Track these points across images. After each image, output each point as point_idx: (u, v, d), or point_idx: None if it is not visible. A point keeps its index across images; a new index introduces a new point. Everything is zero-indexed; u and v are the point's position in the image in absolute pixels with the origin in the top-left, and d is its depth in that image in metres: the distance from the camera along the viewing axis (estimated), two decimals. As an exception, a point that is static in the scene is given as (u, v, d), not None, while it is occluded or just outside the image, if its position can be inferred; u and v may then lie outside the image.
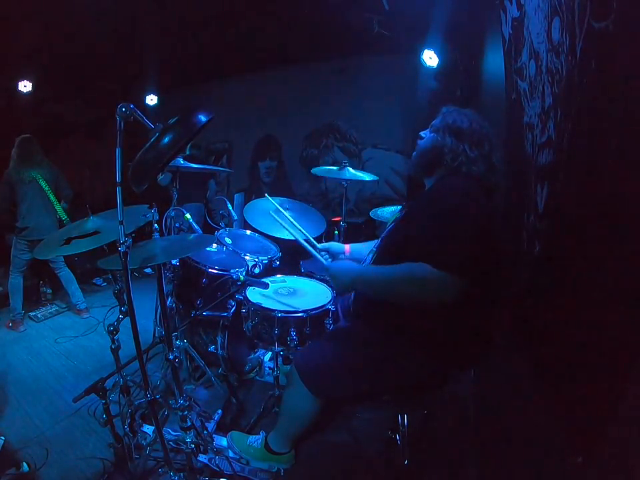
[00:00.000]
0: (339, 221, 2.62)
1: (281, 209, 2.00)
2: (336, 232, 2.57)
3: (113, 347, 1.59)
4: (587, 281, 1.07)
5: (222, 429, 1.83)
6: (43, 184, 3.02)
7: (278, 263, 2.33)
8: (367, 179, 2.46)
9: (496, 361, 1.55)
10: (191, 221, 2.00)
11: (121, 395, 1.59)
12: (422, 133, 1.44)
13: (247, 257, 2.19)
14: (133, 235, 1.11)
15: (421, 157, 1.42)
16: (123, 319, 1.66)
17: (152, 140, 1.11)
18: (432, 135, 1.39)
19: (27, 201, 2.99)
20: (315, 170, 2.55)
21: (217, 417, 1.87)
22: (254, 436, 1.68)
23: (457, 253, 1.12)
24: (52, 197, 3.07)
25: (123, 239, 1.07)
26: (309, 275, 2.14)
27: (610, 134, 0.96)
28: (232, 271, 1.98)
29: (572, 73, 1.18)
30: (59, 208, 3.11)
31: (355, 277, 1.30)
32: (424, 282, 1.14)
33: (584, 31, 1.06)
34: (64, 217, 3.11)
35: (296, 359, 1.47)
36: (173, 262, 1.97)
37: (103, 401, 1.43)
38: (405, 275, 1.18)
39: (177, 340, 1.93)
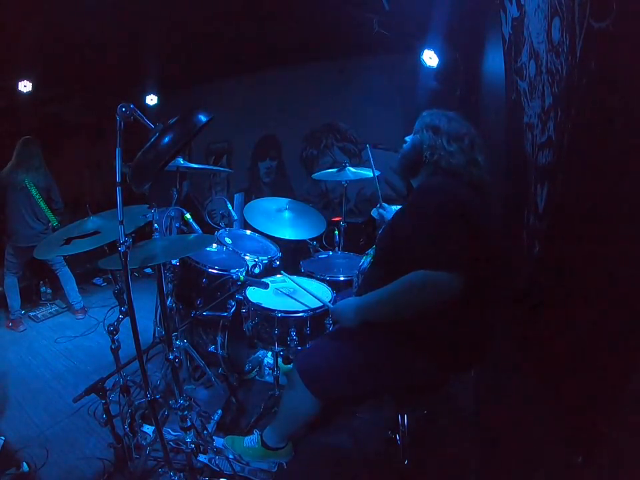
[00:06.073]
0: (339, 221, 2.62)
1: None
2: (336, 232, 2.57)
3: (113, 346, 1.59)
4: (586, 280, 1.07)
5: (222, 429, 1.83)
6: (34, 192, 2.96)
7: (278, 262, 2.33)
8: (369, 175, 2.38)
9: (496, 361, 1.55)
10: (191, 220, 2.00)
11: (120, 395, 1.60)
12: (407, 138, 1.48)
13: (246, 257, 2.19)
14: (132, 234, 1.11)
15: (403, 158, 1.45)
16: (123, 319, 1.66)
17: (152, 140, 1.11)
18: (413, 136, 1.43)
19: (14, 207, 2.95)
20: (315, 175, 2.59)
21: (216, 417, 1.87)
22: (249, 437, 1.68)
23: (445, 250, 1.14)
24: (43, 205, 3.00)
25: (123, 239, 1.07)
26: (309, 274, 2.14)
27: (610, 134, 0.96)
28: (232, 270, 1.99)
29: (572, 72, 1.18)
30: (49, 214, 3.04)
31: (356, 308, 1.31)
32: (423, 287, 1.15)
33: (584, 31, 1.06)
34: (54, 222, 3.05)
35: (297, 360, 1.47)
36: (173, 262, 1.97)
37: (103, 401, 1.43)
38: (402, 287, 1.19)
39: (177, 340, 1.94)
